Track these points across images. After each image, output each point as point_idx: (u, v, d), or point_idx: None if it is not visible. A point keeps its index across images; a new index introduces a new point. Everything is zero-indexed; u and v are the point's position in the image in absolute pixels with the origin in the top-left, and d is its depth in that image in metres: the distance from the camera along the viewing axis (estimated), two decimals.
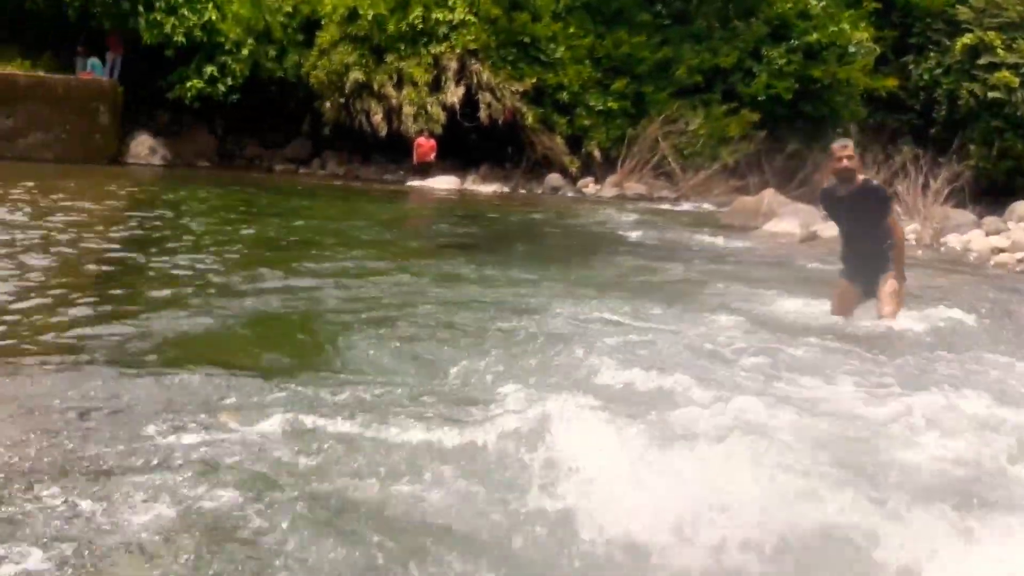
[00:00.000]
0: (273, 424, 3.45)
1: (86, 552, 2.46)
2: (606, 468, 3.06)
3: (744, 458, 3.09)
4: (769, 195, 15.83)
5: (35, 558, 2.40)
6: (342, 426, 3.47)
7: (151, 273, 6.89)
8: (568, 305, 6.51)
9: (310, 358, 4.65)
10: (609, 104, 21.54)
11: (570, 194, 20.77)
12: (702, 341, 5.49)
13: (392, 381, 4.18)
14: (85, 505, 2.74)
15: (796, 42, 22.19)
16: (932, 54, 24.41)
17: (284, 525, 2.65)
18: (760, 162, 21.38)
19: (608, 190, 20.96)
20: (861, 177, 6.35)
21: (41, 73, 18.59)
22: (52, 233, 8.39)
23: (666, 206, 19.18)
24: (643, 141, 21.48)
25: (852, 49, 22.94)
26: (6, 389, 3.79)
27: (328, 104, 20.91)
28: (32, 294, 5.71)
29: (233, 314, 5.60)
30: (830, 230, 10.27)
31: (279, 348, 4.83)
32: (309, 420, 3.54)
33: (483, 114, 20.78)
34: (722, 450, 3.15)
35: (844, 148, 6.25)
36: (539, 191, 20.98)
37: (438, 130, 20.61)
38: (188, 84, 19.73)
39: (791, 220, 14.26)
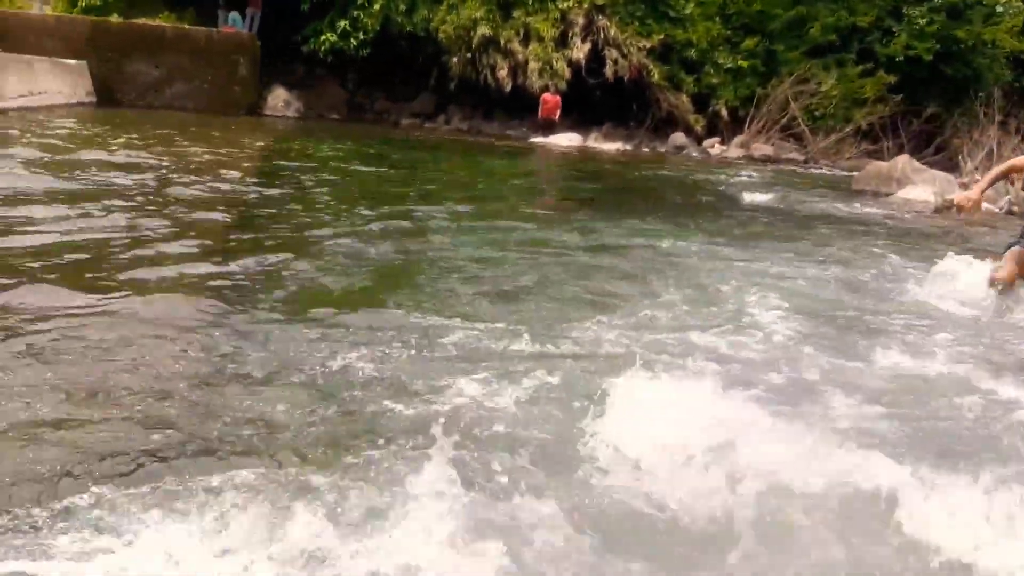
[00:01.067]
0: (397, 369, 3.64)
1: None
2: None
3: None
4: (904, 160, 15.26)
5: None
6: (462, 375, 3.61)
7: (282, 218, 7.22)
8: (691, 259, 6.55)
9: (432, 304, 4.80)
10: (738, 62, 21.10)
11: (694, 154, 20.49)
12: (837, 302, 5.47)
13: (520, 328, 4.32)
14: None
15: (939, 1, 21.15)
16: None
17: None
18: (895, 126, 20.60)
19: (734, 150, 20.60)
20: None
21: (186, 26, 19.42)
22: (193, 176, 8.88)
23: (794, 168, 18.72)
24: (772, 101, 21.00)
25: (1000, 9, 21.75)
26: (146, 318, 4.08)
27: (455, 59, 21.15)
28: (171, 235, 6.08)
29: (363, 261, 5.84)
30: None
31: (403, 294, 4.98)
32: (442, 360, 3.73)
33: (608, 71, 20.67)
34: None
35: None
36: (662, 150, 20.78)
37: (563, 86, 20.60)
38: (322, 38, 20.29)
39: (927, 188, 13.75)
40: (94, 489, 2.49)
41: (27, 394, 3.07)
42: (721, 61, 21.10)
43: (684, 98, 21.16)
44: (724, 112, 21.26)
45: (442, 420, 2.93)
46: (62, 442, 2.77)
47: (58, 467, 2.61)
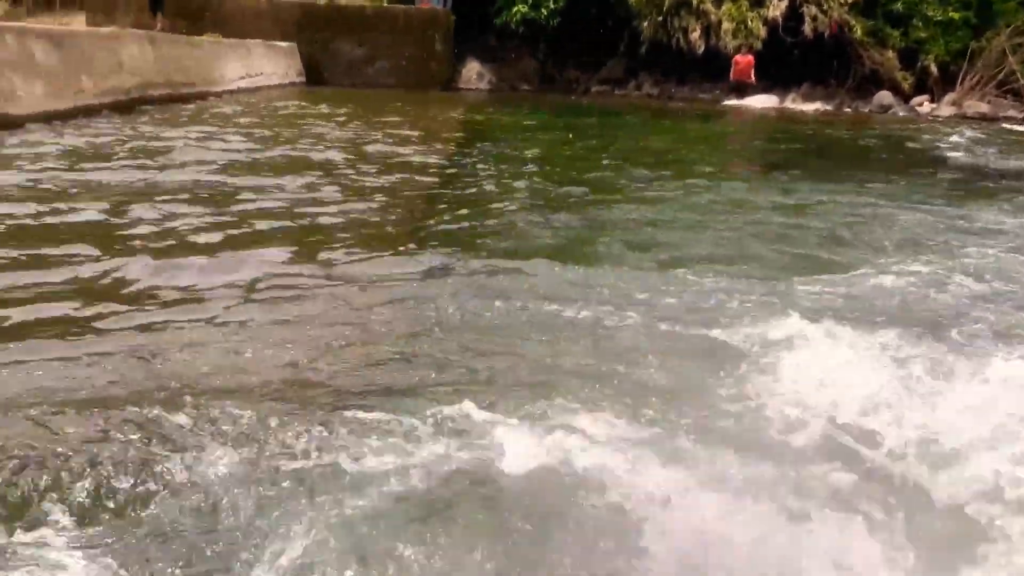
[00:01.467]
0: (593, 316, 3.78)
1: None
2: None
3: None
4: None
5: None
6: (683, 328, 3.68)
7: (480, 183, 7.54)
8: (902, 219, 6.32)
9: (635, 263, 4.87)
10: (949, 14, 19.73)
11: (901, 113, 19.41)
12: None
13: (732, 286, 4.34)
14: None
15: None
16: None
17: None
18: None
19: (945, 109, 19.35)
20: None
21: (385, 4, 20.22)
22: (397, 147, 9.39)
23: (1013, 127, 17.38)
24: (988, 55, 19.53)
25: None
26: (368, 276, 4.39)
27: (645, 23, 20.86)
28: (382, 200, 6.48)
29: (560, 222, 6.00)
30: None
31: (602, 254, 5.10)
32: (658, 314, 3.81)
33: (807, 27, 19.83)
34: None
35: None
36: (866, 110, 19.80)
37: (758, 46, 19.96)
38: (514, 9, 20.57)
39: None
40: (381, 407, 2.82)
41: (288, 339, 3.44)
42: (930, 14, 19.81)
43: (889, 54, 20.04)
44: (934, 68, 19.97)
45: (672, 369, 3.03)
46: (345, 371, 3.16)
47: (353, 389, 3.00)
